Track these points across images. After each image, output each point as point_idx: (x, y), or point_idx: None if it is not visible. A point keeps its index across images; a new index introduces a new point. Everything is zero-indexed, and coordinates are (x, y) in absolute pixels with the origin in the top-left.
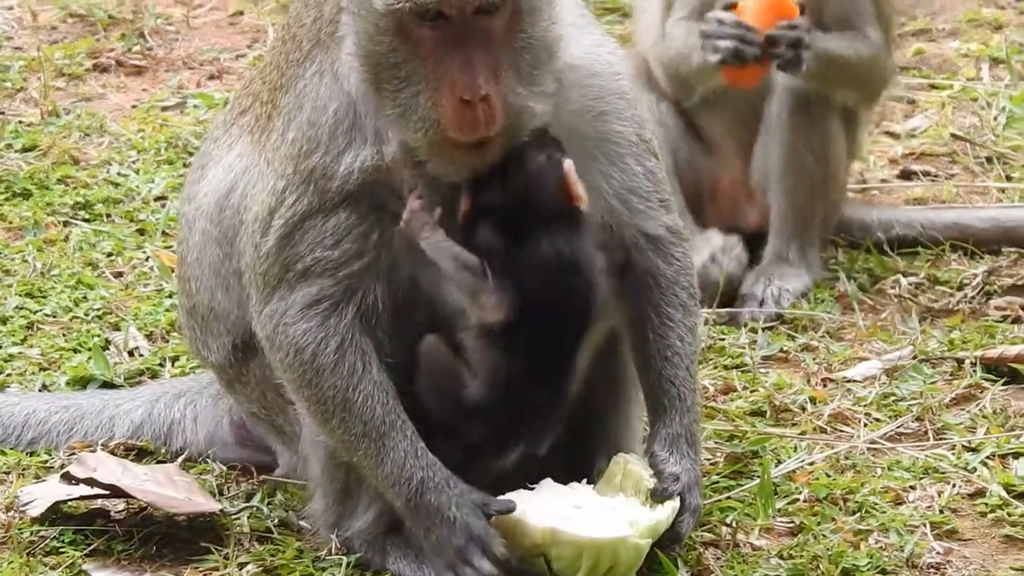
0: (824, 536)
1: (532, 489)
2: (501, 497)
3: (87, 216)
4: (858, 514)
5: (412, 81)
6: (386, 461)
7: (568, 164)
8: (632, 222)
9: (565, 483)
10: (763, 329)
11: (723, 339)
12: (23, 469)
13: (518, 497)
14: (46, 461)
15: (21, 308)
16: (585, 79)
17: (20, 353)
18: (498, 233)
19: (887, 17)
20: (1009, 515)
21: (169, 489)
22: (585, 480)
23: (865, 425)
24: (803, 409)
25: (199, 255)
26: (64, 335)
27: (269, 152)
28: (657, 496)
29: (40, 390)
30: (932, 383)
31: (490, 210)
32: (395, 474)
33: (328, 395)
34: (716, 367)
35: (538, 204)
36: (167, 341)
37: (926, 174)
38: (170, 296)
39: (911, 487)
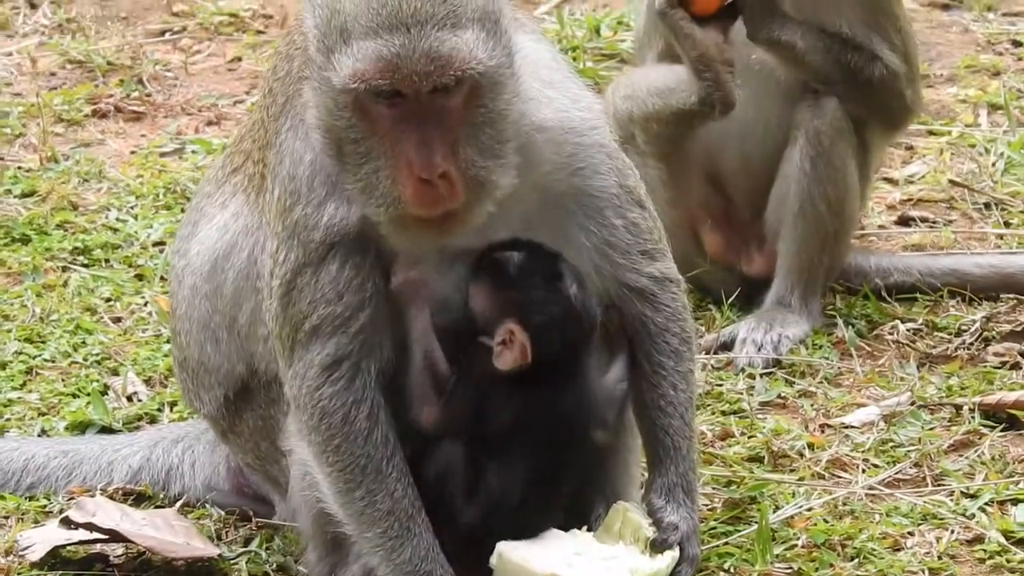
0: None
1: (534, 535)
2: (502, 543)
3: (86, 261)
4: (856, 560)
5: (372, 157)
6: (406, 547)
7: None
8: (613, 275)
9: (565, 529)
10: (761, 375)
11: (721, 385)
12: (22, 514)
13: (520, 543)
14: (45, 506)
15: (20, 353)
16: (559, 137)
17: (19, 398)
18: (509, 380)
19: (907, 51)
20: (1008, 561)
21: (168, 534)
22: (585, 527)
23: (863, 471)
24: (801, 455)
25: (187, 309)
26: (63, 380)
27: (267, 214)
28: (657, 546)
29: (39, 435)
30: (930, 429)
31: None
32: (413, 564)
33: (360, 463)
34: (714, 413)
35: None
36: (165, 386)
37: (924, 220)
38: (168, 341)
39: (909, 533)
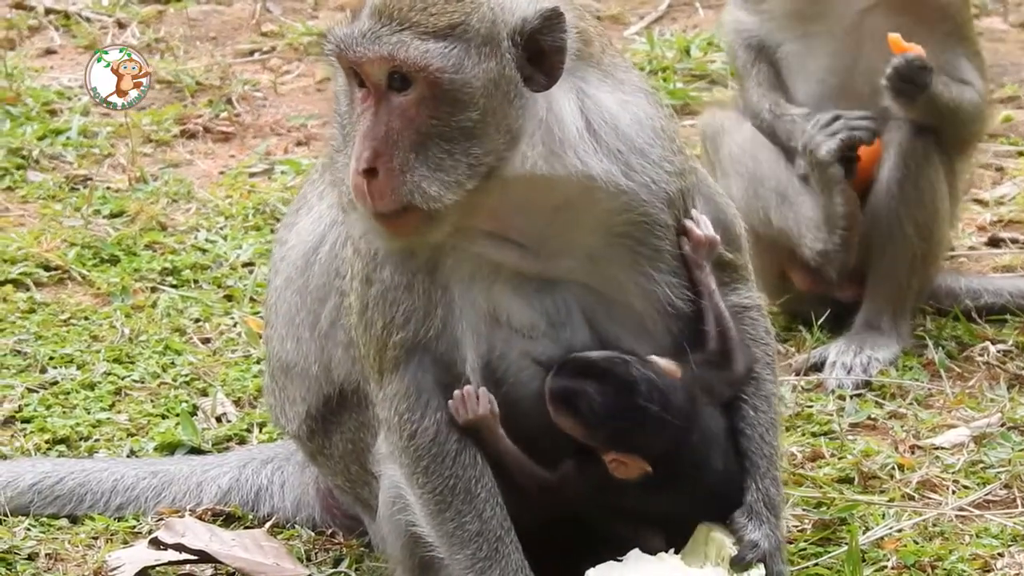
0: None
1: (620, 560)
2: (591, 570)
3: (175, 282)
4: None
5: (348, 139)
6: (495, 568)
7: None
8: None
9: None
10: (851, 396)
11: (811, 406)
12: (111, 534)
13: (607, 568)
14: (134, 526)
15: (109, 374)
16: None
17: (108, 419)
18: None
19: (982, 68)
20: None
21: (257, 555)
22: (672, 550)
23: (953, 492)
24: (891, 476)
25: (277, 300)
26: (152, 401)
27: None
28: (736, 564)
29: (128, 456)
30: (1020, 450)
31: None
32: None
33: (449, 484)
34: (804, 434)
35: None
36: (255, 407)
37: (1014, 242)
38: (258, 362)
39: (999, 554)
